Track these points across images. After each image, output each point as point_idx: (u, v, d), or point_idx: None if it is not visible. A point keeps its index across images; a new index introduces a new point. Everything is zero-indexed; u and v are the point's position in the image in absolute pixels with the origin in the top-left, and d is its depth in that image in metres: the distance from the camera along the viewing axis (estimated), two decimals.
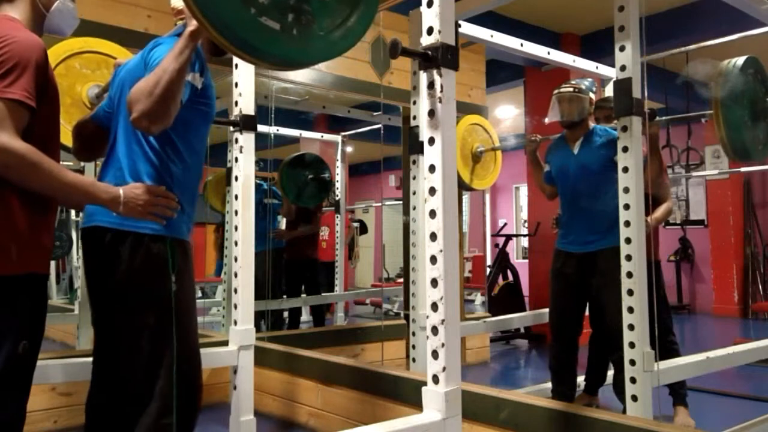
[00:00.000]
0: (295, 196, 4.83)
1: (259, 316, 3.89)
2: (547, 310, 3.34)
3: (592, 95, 3.04)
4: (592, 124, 3.06)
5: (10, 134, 1.32)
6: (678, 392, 2.95)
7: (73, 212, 4.58)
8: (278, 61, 1.40)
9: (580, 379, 3.33)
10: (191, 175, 1.72)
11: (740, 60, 2.30)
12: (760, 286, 7.65)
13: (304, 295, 5.12)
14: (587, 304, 3.10)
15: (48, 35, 1.60)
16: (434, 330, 1.46)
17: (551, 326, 3.13)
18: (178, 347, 1.58)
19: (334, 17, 1.40)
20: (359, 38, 1.48)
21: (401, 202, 4.90)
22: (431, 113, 1.48)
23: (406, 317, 3.35)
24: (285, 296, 4.91)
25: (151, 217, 1.55)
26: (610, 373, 3.14)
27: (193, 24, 1.49)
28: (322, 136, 5.86)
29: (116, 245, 1.59)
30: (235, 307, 2.54)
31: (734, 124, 2.24)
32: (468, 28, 2.87)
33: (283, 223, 5.21)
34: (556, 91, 3.07)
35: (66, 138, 1.85)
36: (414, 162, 2.94)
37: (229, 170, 3.31)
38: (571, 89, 3.00)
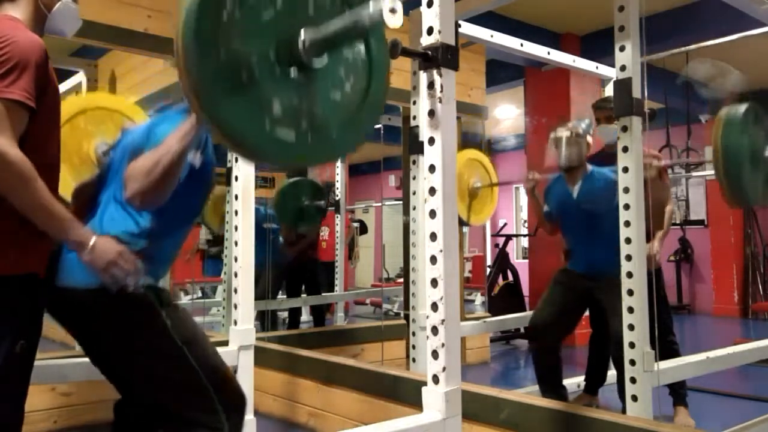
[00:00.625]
0: (292, 223, 4.84)
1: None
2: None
3: (589, 138, 3.02)
4: (590, 167, 3.03)
5: (8, 139, 1.31)
6: (678, 392, 2.95)
7: None
8: (293, 166, 1.39)
9: (580, 379, 3.33)
10: (171, 237, 1.69)
11: (741, 107, 2.29)
12: (760, 286, 7.65)
13: (304, 295, 5.12)
14: (579, 316, 3.11)
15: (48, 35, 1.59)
16: (434, 330, 1.46)
17: (531, 325, 3.11)
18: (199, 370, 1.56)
19: (347, 113, 1.37)
20: (370, 130, 1.47)
21: (401, 202, 4.90)
22: (431, 113, 1.48)
23: (406, 317, 3.35)
24: (285, 296, 4.91)
25: (107, 276, 1.45)
26: (610, 373, 3.14)
27: None
28: None
29: (95, 306, 1.54)
30: (235, 307, 2.54)
31: (735, 173, 2.22)
32: (468, 28, 2.87)
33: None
34: (553, 135, 3.05)
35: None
36: (414, 162, 2.94)
37: (229, 170, 3.31)
38: (569, 133, 2.98)
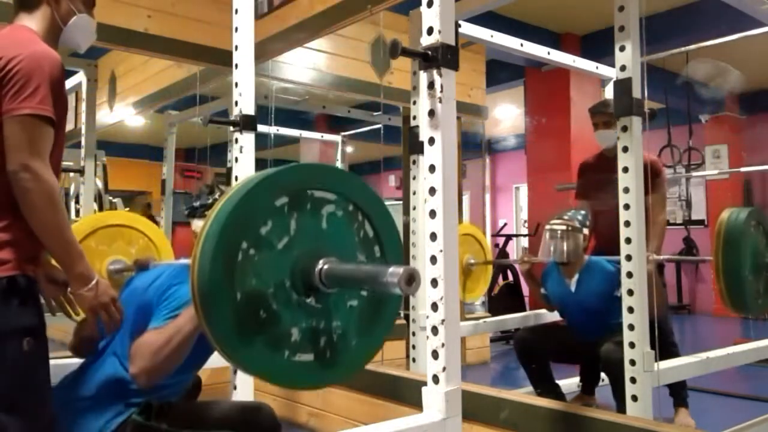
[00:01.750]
0: None
1: None
2: (546, 310, 3.34)
3: (585, 231, 2.95)
4: (586, 257, 2.98)
5: (43, 160, 1.34)
6: (679, 393, 2.95)
7: (72, 213, 4.57)
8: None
9: (575, 380, 3.33)
10: (168, 389, 1.66)
11: (744, 212, 2.27)
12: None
13: None
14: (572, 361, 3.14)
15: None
16: (434, 330, 1.46)
17: (525, 338, 3.12)
18: None
19: (363, 321, 1.35)
20: (384, 336, 1.43)
21: (401, 202, 4.90)
22: (431, 113, 1.48)
23: (406, 317, 3.35)
24: None
25: (93, 317, 1.45)
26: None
27: None
28: (322, 136, 5.86)
29: None
30: None
31: (734, 279, 2.20)
32: (468, 28, 2.87)
33: None
34: (548, 227, 2.97)
35: None
36: (414, 162, 2.94)
37: (229, 170, 3.31)
38: (564, 226, 2.91)
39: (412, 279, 1.13)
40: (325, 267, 1.20)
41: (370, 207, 1.36)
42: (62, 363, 2.14)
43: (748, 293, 2.23)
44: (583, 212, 3.02)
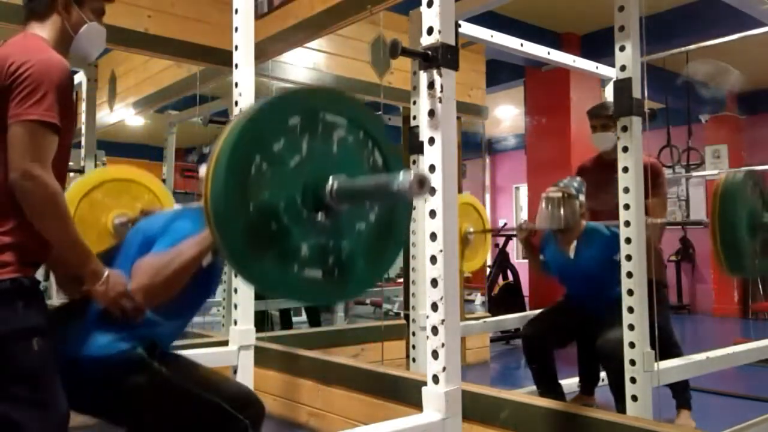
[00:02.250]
0: None
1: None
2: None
3: (582, 197, 2.95)
4: (583, 222, 2.98)
5: (47, 169, 1.34)
6: (681, 395, 2.94)
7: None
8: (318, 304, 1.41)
9: (575, 380, 3.33)
10: (167, 328, 1.67)
11: (740, 173, 2.27)
12: (760, 286, 7.64)
13: None
14: (573, 336, 3.12)
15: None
16: (434, 330, 1.46)
17: (528, 336, 3.10)
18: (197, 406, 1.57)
19: (372, 245, 1.38)
20: (396, 256, 1.46)
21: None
22: (431, 113, 1.48)
23: (406, 317, 3.35)
24: None
25: (115, 308, 1.48)
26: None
27: None
28: None
29: (93, 377, 1.53)
30: (235, 307, 2.54)
31: (731, 240, 2.19)
32: (468, 28, 2.87)
33: None
34: (544, 195, 2.97)
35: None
36: (414, 162, 2.94)
37: None
38: (560, 194, 2.91)
39: (423, 182, 1.15)
40: (336, 183, 1.24)
41: (380, 136, 1.39)
42: None
43: (744, 254, 2.22)
44: (578, 179, 3.03)
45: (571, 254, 2.97)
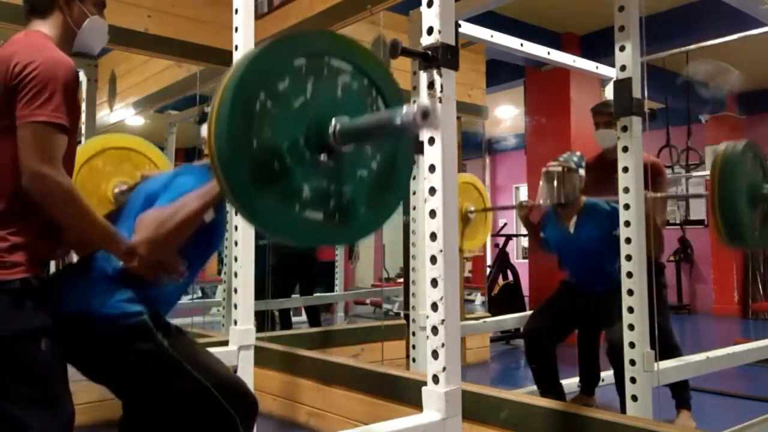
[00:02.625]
0: None
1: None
2: None
3: (582, 172, 2.95)
4: (584, 198, 2.98)
5: (58, 168, 1.35)
6: (681, 395, 2.94)
7: None
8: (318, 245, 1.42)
9: (575, 380, 3.33)
10: (172, 286, 1.67)
11: (740, 144, 2.27)
12: (760, 286, 7.65)
13: (296, 295, 5.11)
14: (574, 326, 3.12)
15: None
16: (434, 330, 1.46)
17: (531, 330, 3.10)
18: (192, 387, 1.56)
19: (374, 191, 1.39)
20: (398, 205, 1.47)
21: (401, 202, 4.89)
22: None
23: (406, 317, 3.35)
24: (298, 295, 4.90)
25: (155, 274, 1.50)
26: (607, 374, 3.14)
27: None
28: None
29: (93, 334, 1.54)
30: (235, 307, 2.54)
31: (730, 210, 2.19)
32: (468, 28, 2.87)
33: None
34: (544, 169, 2.98)
35: None
36: (414, 162, 2.94)
37: None
38: (560, 168, 2.92)
39: (427, 113, 1.14)
40: (339, 124, 1.25)
41: (384, 85, 1.40)
42: None
43: (744, 224, 2.22)
44: (579, 154, 3.04)
45: (571, 229, 2.98)
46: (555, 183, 2.92)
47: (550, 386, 2.99)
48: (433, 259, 1.47)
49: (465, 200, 3.80)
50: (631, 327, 2.14)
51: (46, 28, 1.51)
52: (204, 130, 1.76)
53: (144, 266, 1.48)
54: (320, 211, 1.29)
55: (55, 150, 1.36)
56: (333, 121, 1.25)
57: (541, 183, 3.00)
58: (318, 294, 5.42)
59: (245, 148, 1.17)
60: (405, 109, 1.16)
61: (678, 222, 8.19)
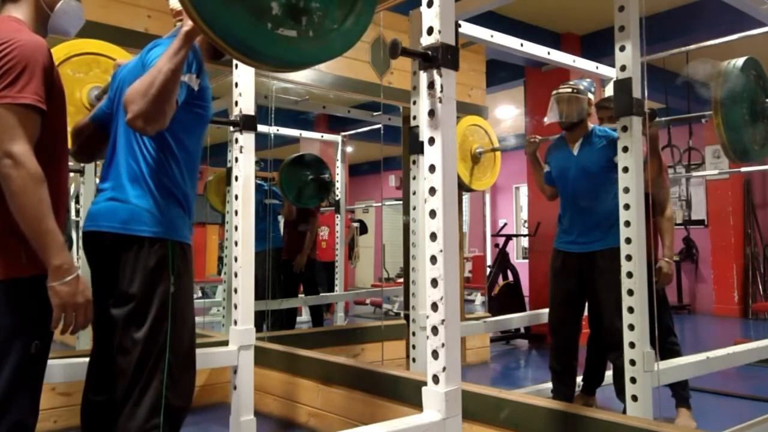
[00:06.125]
0: (295, 197, 4.85)
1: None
2: (547, 310, 3.34)
3: (590, 95, 3.04)
4: (591, 125, 3.05)
5: (24, 145, 1.32)
6: (681, 394, 2.94)
7: (72, 212, 4.58)
8: (299, 65, 1.47)
9: (578, 379, 3.33)
10: (188, 176, 1.72)
11: (740, 61, 2.31)
12: (760, 286, 7.64)
13: (302, 295, 5.12)
14: (586, 304, 3.10)
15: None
16: (434, 330, 1.46)
17: (550, 325, 3.13)
18: (171, 350, 1.58)
19: (343, 5, 1.44)
20: (369, 20, 1.52)
21: (401, 202, 4.90)
22: (431, 113, 1.48)
23: (406, 317, 3.35)
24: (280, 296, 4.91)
25: (58, 314, 1.38)
26: (608, 373, 3.14)
27: (188, 24, 1.48)
28: (322, 136, 5.86)
29: (117, 248, 1.59)
30: (235, 307, 2.54)
31: (734, 124, 2.24)
32: (468, 28, 2.87)
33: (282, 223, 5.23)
34: (554, 92, 3.07)
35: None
36: (414, 162, 2.94)
37: (229, 170, 3.31)
38: (570, 90, 3.00)
39: None
40: None
41: None
42: (64, 363, 2.15)
43: (746, 138, 2.26)
44: (588, 79, 3.12)
45: (575, 151, 3.04)
46: (564, 104, 3.01)
47: (564, 388, 3.01)
48: (433, 259, 1.47)
49: (474, 141, 3.83)
50: (631, 327, 2.14)
51: (19, 12, 1.49)
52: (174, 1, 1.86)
53: (64, 302, 1.37)
54: (293, 29, 1.34)
55: (27, 131, 1.33)
56: None
57: (550, 104, 3.08)
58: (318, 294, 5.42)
59: None
60: None
61: (681, 222, 8.18)
